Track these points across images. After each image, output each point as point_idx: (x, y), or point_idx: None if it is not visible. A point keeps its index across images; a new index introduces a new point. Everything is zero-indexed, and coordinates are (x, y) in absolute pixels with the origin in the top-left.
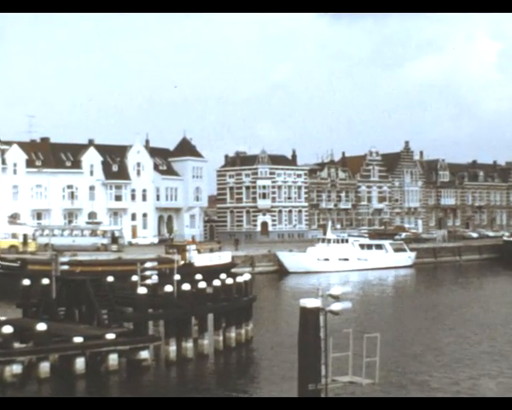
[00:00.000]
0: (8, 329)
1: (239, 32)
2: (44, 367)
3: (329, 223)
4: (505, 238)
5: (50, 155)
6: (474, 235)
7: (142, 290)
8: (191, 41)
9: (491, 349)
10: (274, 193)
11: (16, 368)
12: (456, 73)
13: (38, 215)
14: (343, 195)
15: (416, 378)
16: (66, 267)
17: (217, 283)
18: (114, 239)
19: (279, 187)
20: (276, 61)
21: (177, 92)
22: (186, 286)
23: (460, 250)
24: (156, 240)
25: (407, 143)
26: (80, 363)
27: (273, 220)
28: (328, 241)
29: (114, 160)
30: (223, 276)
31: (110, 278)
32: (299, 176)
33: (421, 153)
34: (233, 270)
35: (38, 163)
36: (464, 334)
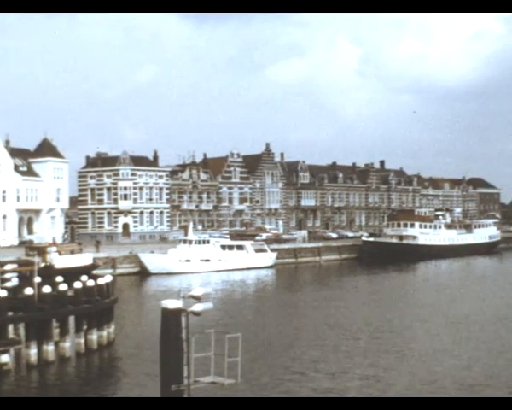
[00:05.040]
0: None
1: (103, 33)
2: None
3: (191, 224)
4: (364, 239)
5: None
6: (334, 235)
7: (1, 293)
8: (55, 41)
9: (349, 347)
10: (135, 194)
11: None
12: (317, 76)
13: None
14: (204, 196)
15: (278, 378)
16: None
17: (78, 285)
18: None
19: (140, 188)
20: (140, 62)
21: (40, 92)
22: (47, 288)
23: (320, 251)
24: (16, 242)
25: (268, 144)
26: None
27: (134, 222)
28: (190, 242)
29: None
30: (84, 278)
31: None
32: (160, 177)
33: (282, 155)
34: (94, 272)
35: None
36: (323, 333)
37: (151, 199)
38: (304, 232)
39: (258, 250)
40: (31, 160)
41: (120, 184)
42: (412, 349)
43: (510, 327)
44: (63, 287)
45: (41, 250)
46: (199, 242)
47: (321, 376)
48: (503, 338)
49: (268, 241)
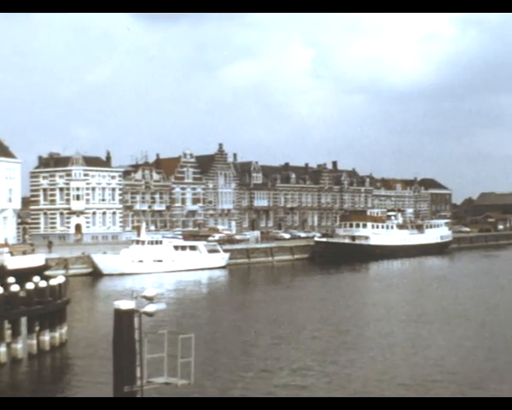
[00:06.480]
0: None
1: (55, 33)
2: None
3: (143, 224)
4: (316, 239)
5: None
6: (287, 236)
7: None
8: (7, 40)
9: (304, 346)
10: (88, 195)
11: None
12: (270, 77)
13: None
14: (157, 196)
15: (231, 378)
16: None
17: (30, 286)
18: None
19: (93, 189)
20: (92, 62)
21: None
22: None
23: (272, 251)
24: None
25: (221, 145)
26: None
27: (87, 222)
28: (143, 242)
29: None
30: (36, 279)
31: None
32: (113, 178)
33: (235, 155)
34: (46, 272)
35: None
36: (278, 333)
37: (104, 199)
38: (256, 233)
39: (211, 251)
40: None
41: (73, 184)
42: (368, 347)
43: (462, 325)
44: (15, 288)
45: None
46: (151, 242)
47: (276, 375)
48: (457, 336)
49: (221, 241)
